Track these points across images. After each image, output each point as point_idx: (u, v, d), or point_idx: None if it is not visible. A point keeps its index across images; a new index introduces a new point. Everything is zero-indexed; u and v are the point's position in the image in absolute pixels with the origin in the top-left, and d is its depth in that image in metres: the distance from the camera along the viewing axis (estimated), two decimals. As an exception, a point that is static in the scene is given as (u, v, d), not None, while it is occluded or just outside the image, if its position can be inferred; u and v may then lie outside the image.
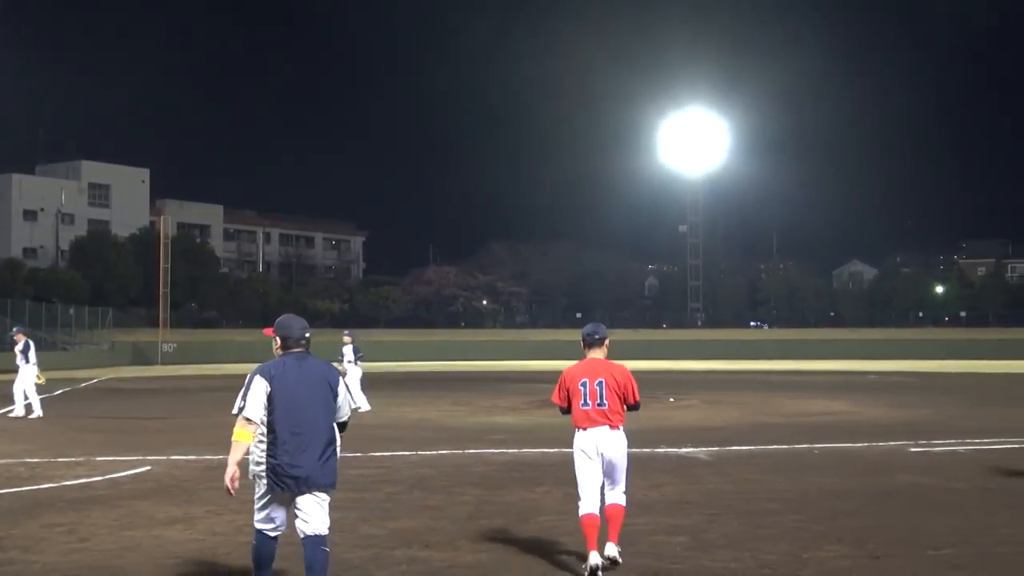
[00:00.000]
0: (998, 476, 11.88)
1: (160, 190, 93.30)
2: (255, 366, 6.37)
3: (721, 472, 12.36)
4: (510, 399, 25.90)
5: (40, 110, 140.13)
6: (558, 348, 51.56)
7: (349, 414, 6.45)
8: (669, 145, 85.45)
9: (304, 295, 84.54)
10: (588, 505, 7.29)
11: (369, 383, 23.73)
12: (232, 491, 6.10)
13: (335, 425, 6.33)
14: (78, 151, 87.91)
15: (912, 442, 15.37)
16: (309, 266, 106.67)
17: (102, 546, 8.23)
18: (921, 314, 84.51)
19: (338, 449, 6.37)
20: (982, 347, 61.94)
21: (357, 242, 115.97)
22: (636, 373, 7.77)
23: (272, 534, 6.29)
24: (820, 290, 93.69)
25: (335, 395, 6.29)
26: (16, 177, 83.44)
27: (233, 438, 6.08)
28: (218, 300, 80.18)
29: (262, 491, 6.22)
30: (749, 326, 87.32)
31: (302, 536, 6.16)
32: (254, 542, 6.36)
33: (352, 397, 6.70)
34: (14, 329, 20.89)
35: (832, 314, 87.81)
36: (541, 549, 7.97)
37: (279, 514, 6.25)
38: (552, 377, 8.50)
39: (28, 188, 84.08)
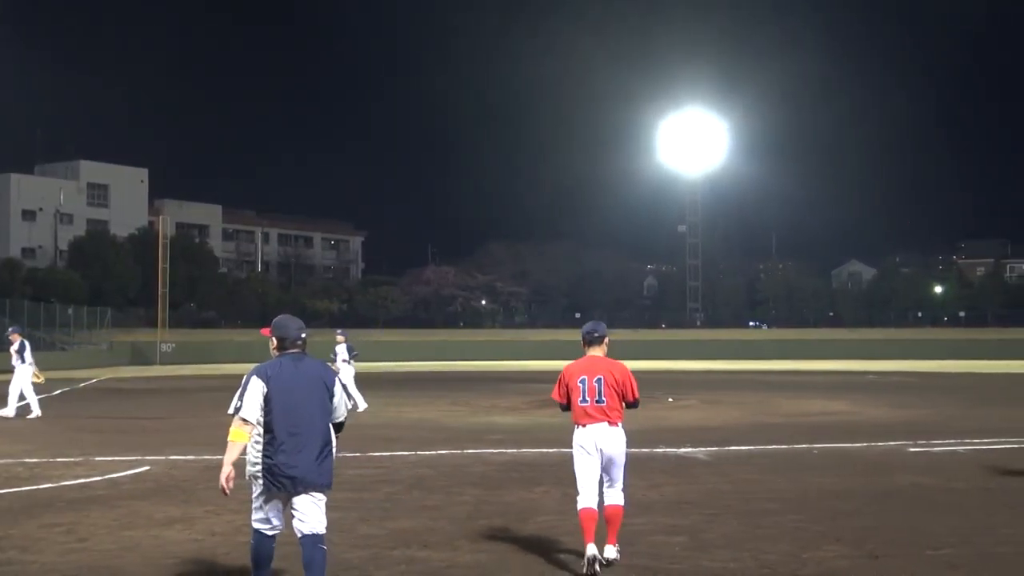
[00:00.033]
0: (997, 476, 11.88)
1: (159, 190, 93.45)
2: (253, 366, 6.38)
3: (720, 472, 12.36)
4: (509, 399, 25.90)
5: (39, 110, 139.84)
6: (557, 348, 51.56)
7: (345, 415, 6.48)
8: (668, 145, 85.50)
9: (303, 295, 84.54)
10: (586, 500, 7.35)
11: (368, 383, 23.77)
12: (227, 491, 6.11)
13: (331, 426, 6.36)
14: (77, 151, 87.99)
15: (911, 442, 15.38)
16: (308, 266, 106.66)
17: (101, 546, 8.22)
18: (920, 314, 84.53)
19: (334, 449, 6.38)
20: (981, 347, 61.97)
21: (356, 242, 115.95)
22: (635, 373, 7.78)
23: (270, 533, 6.31)
24: (819, 290, 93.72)
25: (331, 395, 6.32)
26: (15, 177, 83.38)
27: (229, 438, 6.10)
28: (217, 300, 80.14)
29: (259, 491, 6.24)
30: (748, 326, 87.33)
31: (300, 536, 6.18)
32: (252, 542, 6.38)
33: (349, 397, 6.72)
34: (10, 329, 20.85)
35: (831, 314, 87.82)
36: (540, 549, 7.97)
37: (276, 514, 6.26)
38: (551, 377, 8.50)
39: (27, 188, 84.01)
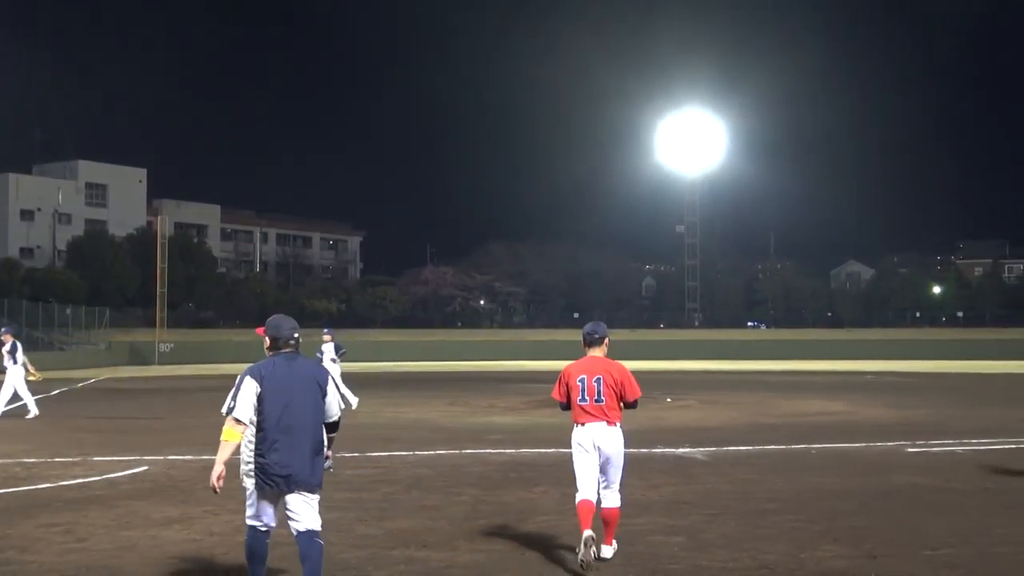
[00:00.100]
0: (995, 476, 11.89)
1: (157, 190, 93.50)
2: (247, 366, 6.41)
3: (718, 472, 12.36)
4: (507, 399, 25.89)
5: (37, 109, 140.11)
6: (555, 348, 51.59)
7: (339, 414, 6.52)
8: (667, 145, 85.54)
9: (301, 295, 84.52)
10: (584, 493, 7.46)
11: (366, 383, 23.77)
12: (217, 489, 6.15)
13: (326, 425, 6.40)
14: (75, 151, 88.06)
15: (909, 442, 15.38)
16: (306, 266, 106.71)
17: (99, 546, 8.22)
18: (918, 314, 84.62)
19: (326, 449, 6.43)
20: (979, 347, 61.99)
21: (354, 242, 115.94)
22: (633, 373, 7.79)
23: (263, 529, 6.36)
24: (817, 290, 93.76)
25: (324, 394, 6.36)
26: (13, 177, 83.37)
27: (222, 437, 6.15)
28: (215, 300, 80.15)
29: (252, 489, 6.29)
30: (746, 326, 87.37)
31: (296, 533, 6.25)
32: (246, 539, 6.43)
33: (342, 395, 6.77)
34: (3, 330, 20.79)
35: (829, 314, 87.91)
36: (539, 549, 7.97)
37: (269, 511, 6.32)
38: (549, 377, 8.52)
39: (25, 188, 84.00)
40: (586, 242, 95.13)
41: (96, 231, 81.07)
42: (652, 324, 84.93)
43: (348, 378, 22.29)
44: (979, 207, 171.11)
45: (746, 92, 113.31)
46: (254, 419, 6.15)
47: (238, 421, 6.11)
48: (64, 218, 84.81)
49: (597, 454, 7.47)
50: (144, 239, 76.00)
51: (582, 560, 7.10)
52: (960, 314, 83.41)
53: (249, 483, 6.26)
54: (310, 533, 6.18)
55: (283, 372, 6.25)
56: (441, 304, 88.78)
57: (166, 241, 64.54)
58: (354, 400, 21.26)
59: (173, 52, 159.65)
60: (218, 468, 6.10)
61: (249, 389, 6.15)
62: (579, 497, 7.46)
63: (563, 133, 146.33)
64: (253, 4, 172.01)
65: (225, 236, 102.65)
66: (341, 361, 22.00)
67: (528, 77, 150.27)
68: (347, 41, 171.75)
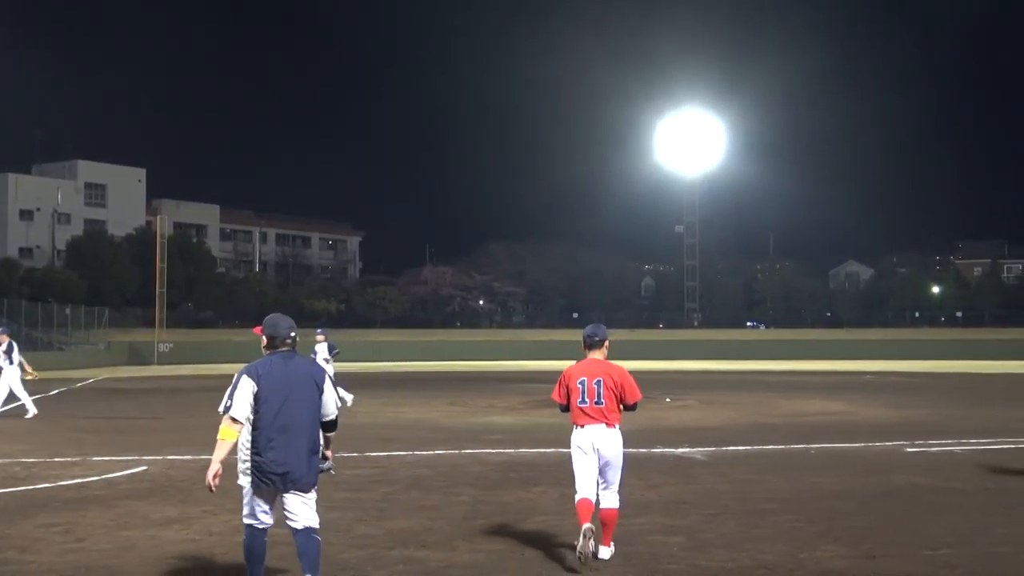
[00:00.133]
0: (995, 476, 11.89)
1: (157, 190, 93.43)
2: (243, 365, 6.42)
3: (718, 472, 12.36)
4: (507, 399, 25.89)
5: (37, 109, 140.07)
6: (555, 348, 51.59)
7: (336, 412, 6.53)
8: (666, 145, 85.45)
9: (300, 295, 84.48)
10: (583, 492, 7.48)
11: (366, 383, 23.76)
12: (213, 488, 6.16)
13: (323, 424, 6.42)
14: (74, 151, 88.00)
15: (909, 442, 15.38)
16: (305, 266, 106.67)
17: (98, 546, 8.22)
18: (917, 314, 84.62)
19: (326, 450, 6.45)
20: (978, 347, 61.97)
21: (353, 242, 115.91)
22: (632, 373, 7.80)
23: (260, 527, 6.37)
24: (816, 290, 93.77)
25: (321, 393, 6.37)
26: (12, 177, 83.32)
27: (219, 436, 6.17)
28: (214, 300, 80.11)
29: (248, 487, 6.31)
30: (745, 326, 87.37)
31: (294, 532, 6.28)
32: (244, 538, 6.44)
33: (338, 394, 6.79)
34: None
35: (828, 314, 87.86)
36: (538, 549, 7.97)
37: (266, 509, 6.34)
38: (549, 377, 8.52)
39: (24, 188, 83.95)
40: (585, 242, 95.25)
41: (95, 231, 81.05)
42: (651, 324, 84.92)
43: (347, 378, 22.30)
44: (979, 207, 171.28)
45: (745, 92, 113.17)
46: (251, 418, 6.17)
47: (235, 420, 6.13)
48: (63, 218, 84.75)
49: (596, 456, 7.48)
50: (143, 239, 75.95)
51: (580, 552, 7.11)
52: (959, 314, 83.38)
53: (246, 482, 6.29)
54: (308, 530, 6.23)
55: (280, 371, 6.26)
56: (440, 304, 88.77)
57: (165, 241, 64.49)
58: (349, 397, 21.21)
59: (173, 52, 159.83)
60: (214, 467, 6.12)
61: (246, 388, 6.16)
62: (578, 496, 7.49)
63: (563, 133, 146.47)
64: (253, 4, 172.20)
65: (224, 236, 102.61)
66: (334, 361, 21.94)
67: (528, 77, 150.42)
68: (347, 41, 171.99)
